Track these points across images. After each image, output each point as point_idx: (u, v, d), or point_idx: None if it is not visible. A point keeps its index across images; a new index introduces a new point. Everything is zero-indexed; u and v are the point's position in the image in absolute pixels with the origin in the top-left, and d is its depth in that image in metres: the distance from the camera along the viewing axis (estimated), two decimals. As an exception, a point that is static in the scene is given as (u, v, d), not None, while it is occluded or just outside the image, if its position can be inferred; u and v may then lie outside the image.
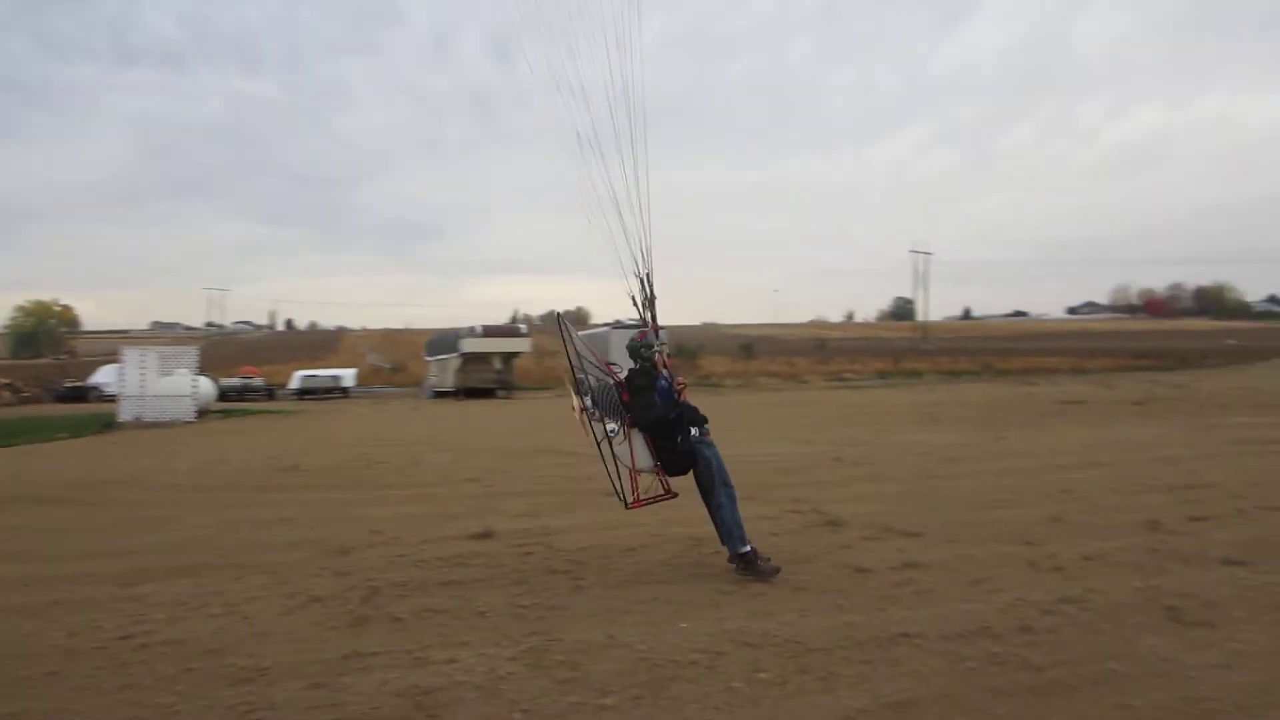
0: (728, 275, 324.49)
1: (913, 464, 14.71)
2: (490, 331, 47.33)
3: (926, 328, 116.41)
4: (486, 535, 9.24)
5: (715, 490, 7.22)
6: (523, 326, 51.33)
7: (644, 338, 7.61)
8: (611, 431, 7.34)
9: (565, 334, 7.25)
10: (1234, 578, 6.86)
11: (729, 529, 7.20)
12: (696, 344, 66.37)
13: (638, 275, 7.64)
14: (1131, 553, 7.83)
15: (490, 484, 13.61)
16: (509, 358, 47.87)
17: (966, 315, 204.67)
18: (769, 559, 7.25)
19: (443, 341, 50.37)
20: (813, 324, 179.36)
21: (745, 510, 7.44)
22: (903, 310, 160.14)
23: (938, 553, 7.97)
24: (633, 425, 7.33)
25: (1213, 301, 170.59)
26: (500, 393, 45.99)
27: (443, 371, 48.66)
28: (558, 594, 6.88)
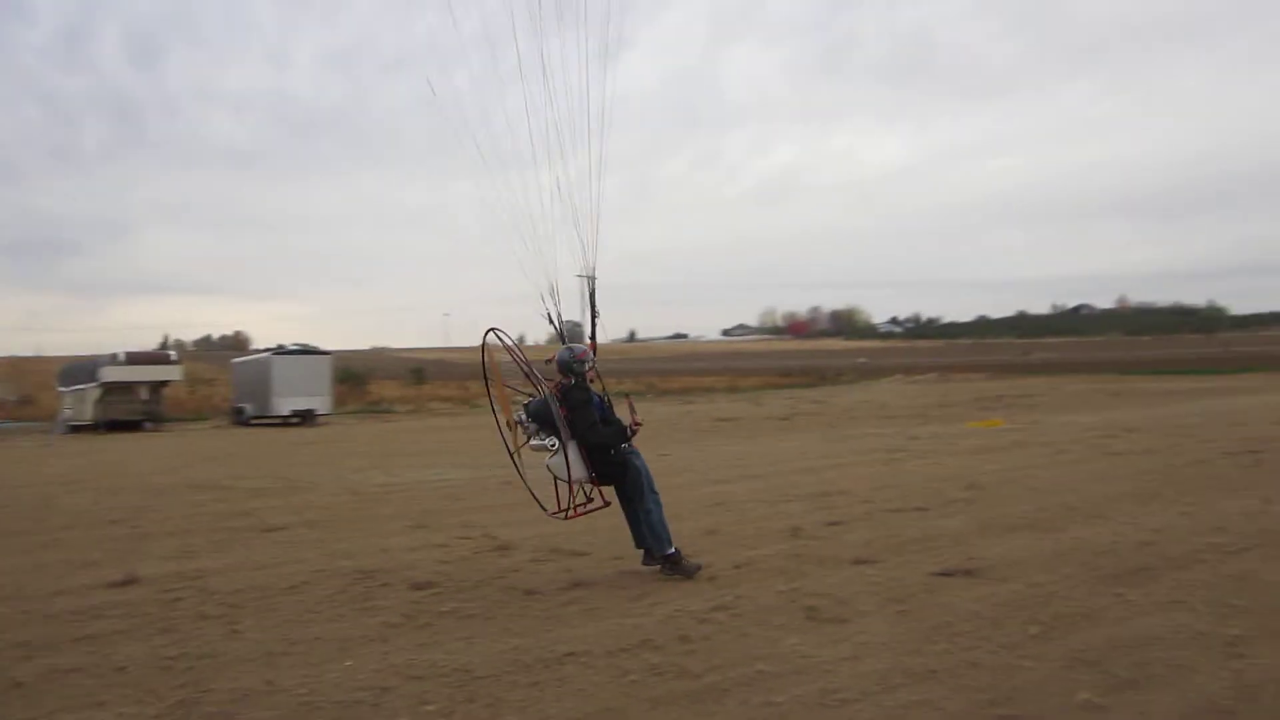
0: (400, 297, 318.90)
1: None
2: (135, 358, 43.26)
3: (595, 349, 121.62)
4: (129, 582, 8.68)
5: (644, 497, 8.35)
6: (172, 353, 47.16)
7: (572, 354, 8.59)
8: (551, 445, 8.19)
9: (511, 350, 8.24)
10: (863, 575, 8.12)
11: (657, 532, 8.32)
12: (365, 369, 64.47)
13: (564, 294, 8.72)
14: (777, 559, 8.98)
15: (136, 525, 12.66)
16: (157, 387, 43.96)
17: (632, 337, 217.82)
18: (691, 557, 8.48)
19: (80, 370, 45.32)
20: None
21: (413, 539, 7.59)
22: (572, 333, 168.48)
23: (604, 570, 8.72)
24: (577, 440, 8.21)
25: (846, 323, 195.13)
26: (148, 425, 42.09)
27: (80, 403, 43.69)
28: (210, 641, 6.66)
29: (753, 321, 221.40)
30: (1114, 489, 12.93)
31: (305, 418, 41.91)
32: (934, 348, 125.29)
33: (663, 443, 23.44)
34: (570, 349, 8.71)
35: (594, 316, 8.95)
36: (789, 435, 25.06)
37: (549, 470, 8.36)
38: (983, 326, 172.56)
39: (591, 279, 8.96)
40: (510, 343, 8.38)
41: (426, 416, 46.65)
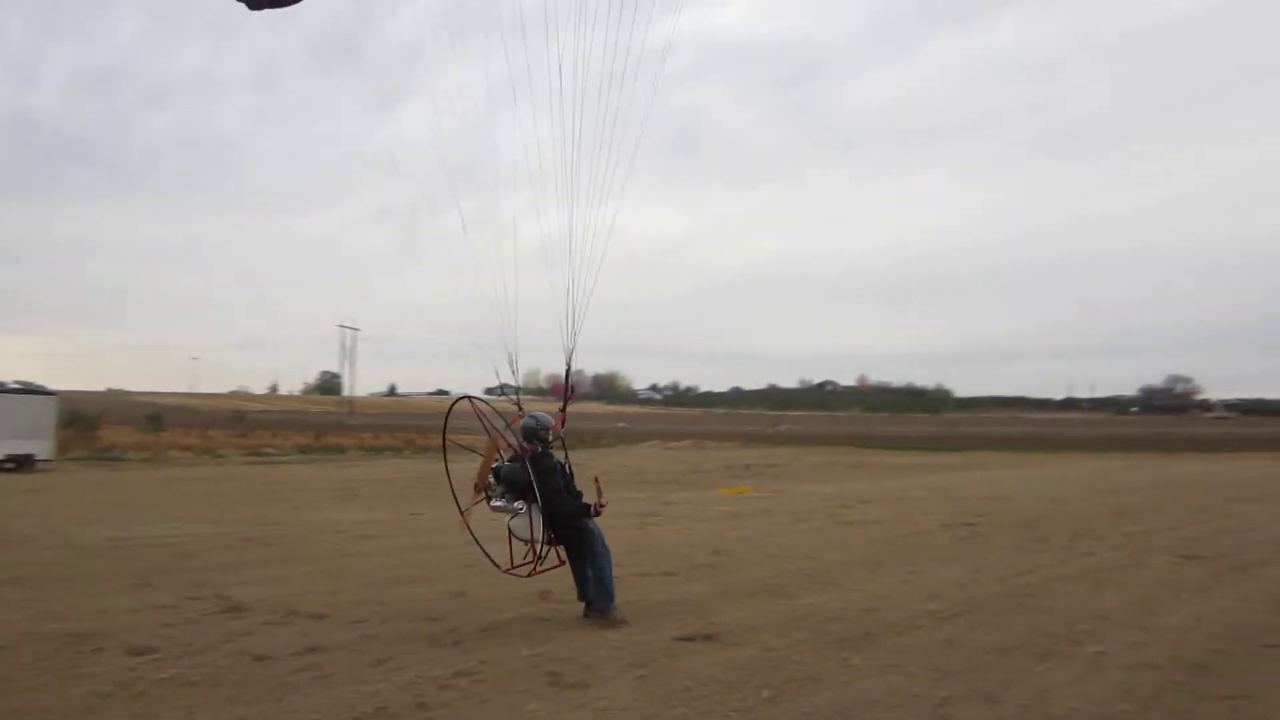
0: (143, 338, 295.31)
1: (326, 542, 15.02)
2: None
3: (352, 403, 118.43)
4: None
5: (596, 555, 8.97)
6: None
7: (538, 422, 9.22)
8: (519, 508, 8.83)
9: (483, 417, 8.91)
10: (607, 640, 8.22)
11: (606, 589, 8.98)
12: (97, 412, 58.79)
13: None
14: (524, 622, 8.91)
15: None
16: None
17: (392, 392, 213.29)
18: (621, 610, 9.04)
19: None
20: (234, 395, 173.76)
21: (135, 599, 6.99)
22: (329, 384, 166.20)
23: (343, 635, 8.32)
24: (542, 505, 8.76)
25: (608, 387, 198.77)
26: None
27: None
28: None
29: (517, 382, 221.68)
30: (846, 556, 13.74)
31: (21, 463, 37.98)
32: (691, 415, 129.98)
33: (416, 502, 22.87)
34: (535, 417, 9.33)
35: (566, 394, 9.88)
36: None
37: (509, 529, 9.04)
38: (736, 397, 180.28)
39: (569, 359, 9.57)
40: (484, 408, 9.06)
41: (163, 466, 43.43)
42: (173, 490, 27.48)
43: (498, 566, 9.34)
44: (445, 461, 9.85)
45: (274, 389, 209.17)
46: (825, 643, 8.22)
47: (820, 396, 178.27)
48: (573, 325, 9.33)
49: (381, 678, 6.94)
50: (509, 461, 9.17)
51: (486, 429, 9.19)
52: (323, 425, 78.92)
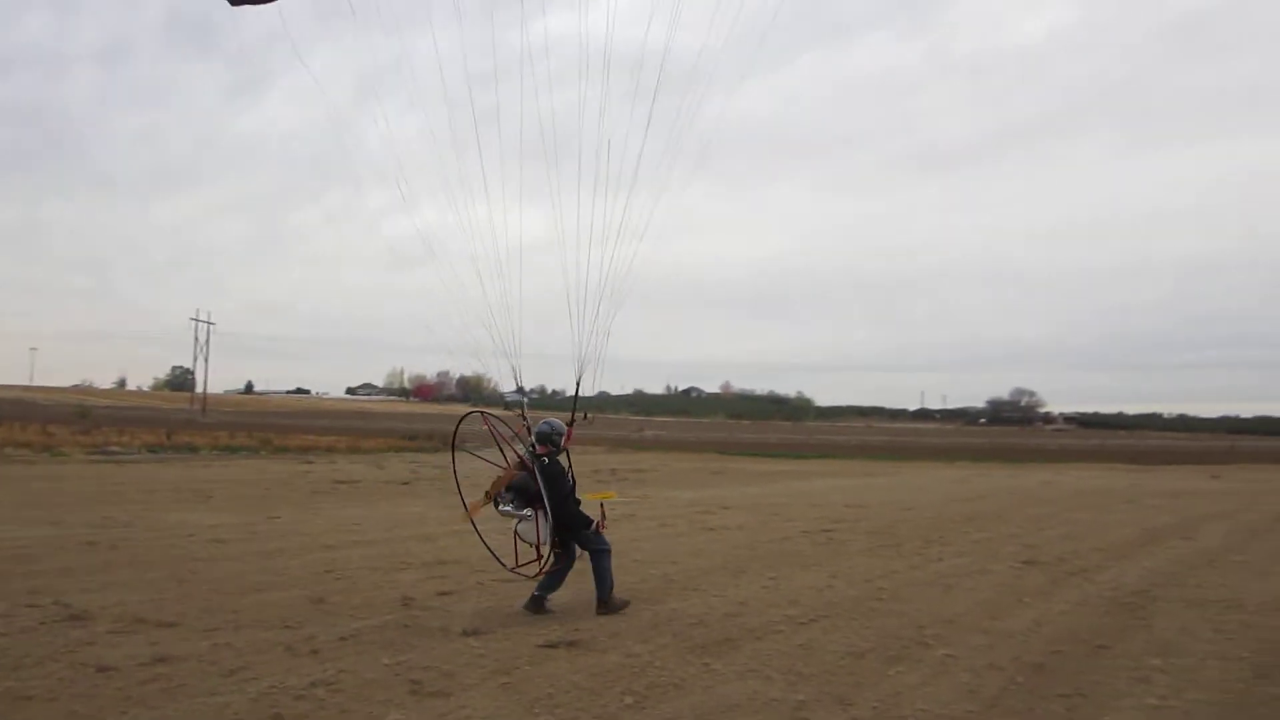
0: None
1: (177, 546, 14.38)
2: None
3: (206, 400, 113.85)
4: None
5: (600, 553, 10.04)
6: None
7: (552, 428, 10.13)
8: (526, 514, 9.61)
9: (495, 432, 10.01)
10: (470, 648, 8.11)
11: (605, 582, 9.96)
12: None
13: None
14: (385, 630, 8.72)
15: None
16: None
17: (249, 389, 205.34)
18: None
19: None
20: (77, 389, 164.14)
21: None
22: (181, 380, 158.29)
23: (194, 644, 8.01)
24: (550, 508, 9.50)
25: (473, 390, 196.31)
26: None
27: None
28: None
29: (379, 381, 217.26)
30: (709, 562, 13.97)
31: None
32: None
33: (274, 504, 22.14)
34: (550, 424, 10.21)
35: (575, 406, 10.57)
36: (410, 500, 24.60)
37: (517, 533, 9.89)
38: (603, 401, 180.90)
39: (579, 375, 10.61)
40: (495, 424, 10.11)
41: (-4, 463, 40.74)
42: (8, 490, 25.81)
43: (504, 565, 10.37)
44: (454, 470, 11.46)
45: (121, 383, 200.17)
46: (687, 648, 8.34)
47: (685, 403, 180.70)
48: (581, 344, 10.42)
49: (234, 688, 6.70)
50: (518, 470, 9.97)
51: (498, 440, 10.33)
52: (174, 422, 75.54)
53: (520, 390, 10.82)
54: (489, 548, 10.31)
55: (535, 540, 9.73)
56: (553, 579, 10.05)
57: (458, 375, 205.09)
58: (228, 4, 8.87)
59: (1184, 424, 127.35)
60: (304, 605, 9.89)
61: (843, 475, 42.54)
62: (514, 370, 10.54)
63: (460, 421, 10.86)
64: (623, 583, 11.81)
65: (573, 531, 9.95)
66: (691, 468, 46.94)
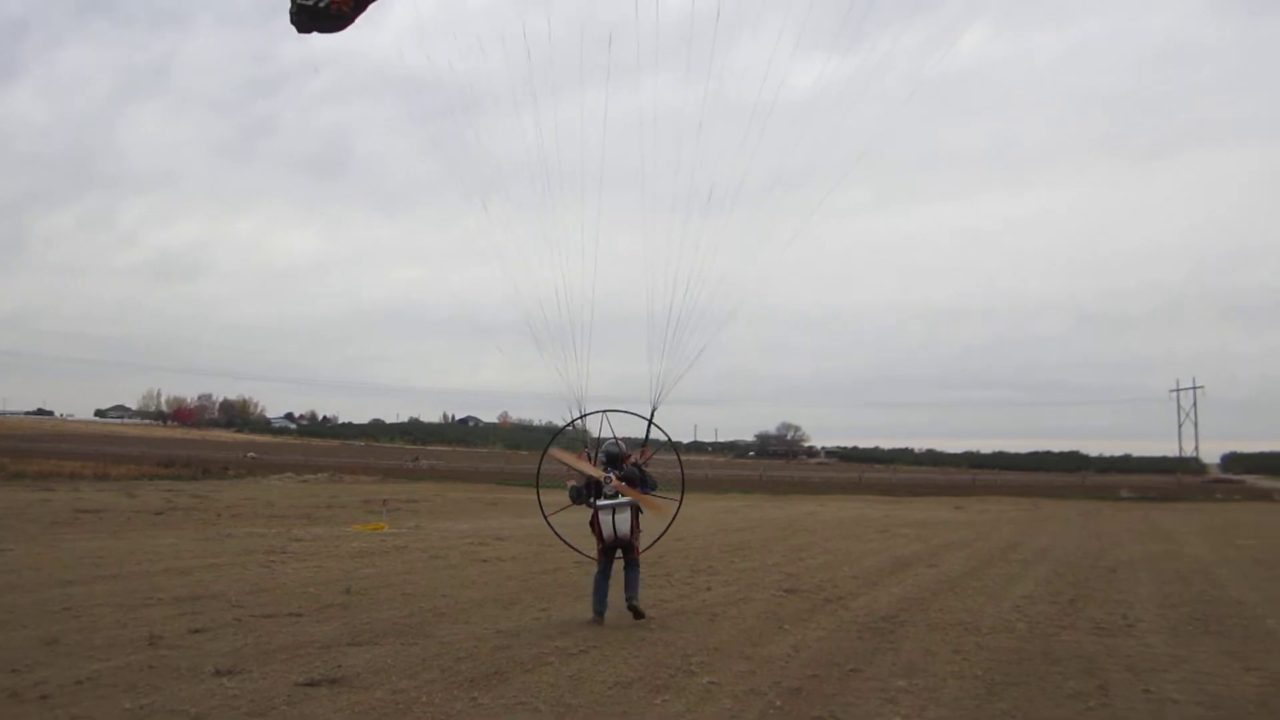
0: None
1: None
2: None
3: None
4: None
5: (637, 564, 12.00)
6: None
7: (619, 448, 12.16)
8: (622, 501, 11.62)
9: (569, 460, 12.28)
10: (222, 688, 7.73)
11: (637, 584, 11.89)
12: None
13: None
14: (127, 671, 8.19)
15: None
16: None
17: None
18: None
19: None
20: None
21: None
22: None
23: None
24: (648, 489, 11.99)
25: (238, 414, 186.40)
26: None
27: None
28: None
29: (133, 404, 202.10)
30: (481, 595, 13.85)
31: None
32: (328, 447, 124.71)
33: (5, 536, 20.16)
34: (617, 443, 12.34)
35: (649, 429, 12.89)
36: (163, 531, 23.01)
37: (612, 525, 11.66)
38: (377, 429, 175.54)
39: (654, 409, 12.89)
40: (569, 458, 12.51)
41: None
42: None
43: (585, 555, 12.73)
44: (538, 491, 14.50)
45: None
46: (455, 683, 8.24)
47: (463, 432, 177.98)
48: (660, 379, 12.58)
49: (-55, 742, 6.08)
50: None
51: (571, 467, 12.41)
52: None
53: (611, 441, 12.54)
54: (567, 540, 13.41)
55: (625, 531, 11.70)
56: (637, 581, 11.93)
57: (220, 399, 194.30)
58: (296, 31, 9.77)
59: (932, 458, 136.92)
60: (35, 646, 9.07)
61: (617, 506, 43.13)
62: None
63: (542, 456, 13.84)
64: (390, 618, 11.56)
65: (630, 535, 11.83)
66: (467, 498, 46.37)
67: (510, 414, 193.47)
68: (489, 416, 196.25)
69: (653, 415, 12.93)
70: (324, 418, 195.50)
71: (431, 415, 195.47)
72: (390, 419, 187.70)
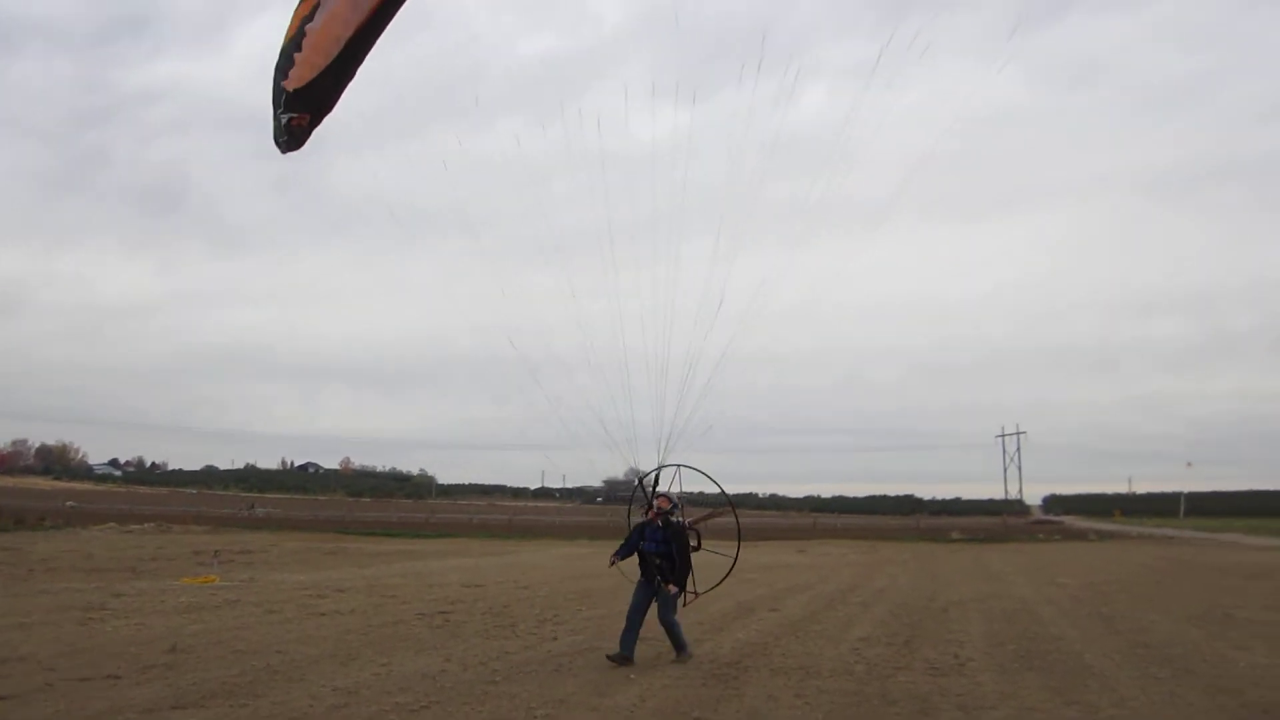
0: None
1: None
2: None
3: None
4: None
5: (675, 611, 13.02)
6: None
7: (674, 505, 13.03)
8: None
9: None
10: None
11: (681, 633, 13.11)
12: None
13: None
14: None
15: None
16: None
17: None
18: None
19: None
20: None
21: None
22: None
23: None
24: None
25: (56, 460, 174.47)
26: None
27: None
28: None
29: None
30: (318, 650, 13.30)
31: None
32: (156, 495, 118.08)
33: None
34: (674, 503, 13.12)
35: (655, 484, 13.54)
36: (-38, 589, 21.23)
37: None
38: (210, 476, 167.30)
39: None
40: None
41: None
42: None
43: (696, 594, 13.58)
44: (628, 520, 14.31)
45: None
46: (288, 745, 7.87)
47: (302, 479, 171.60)
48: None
49: None
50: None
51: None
52: None
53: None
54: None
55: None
56: (681, 630, 13.13)
57: (37, 444, 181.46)
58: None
59: (775, 503, 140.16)
60: None
61: (463, 555, 42.37)
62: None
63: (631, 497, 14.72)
64: (219, 677, 10.98)
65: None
66: (305, 547, 44.61)
67: (352, 460, 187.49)
68: (330, 463, 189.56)
69: (656, 468, 13.71)
70: (152, 464, 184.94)
71: (269, 462, 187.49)
72: (225, 465, 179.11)
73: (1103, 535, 65.81)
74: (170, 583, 24.15)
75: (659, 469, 13.48)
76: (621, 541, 13.37)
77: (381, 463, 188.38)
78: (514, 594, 22.64)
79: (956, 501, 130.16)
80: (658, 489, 13.40)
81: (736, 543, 14.35)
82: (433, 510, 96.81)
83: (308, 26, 9.83)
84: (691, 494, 14.20)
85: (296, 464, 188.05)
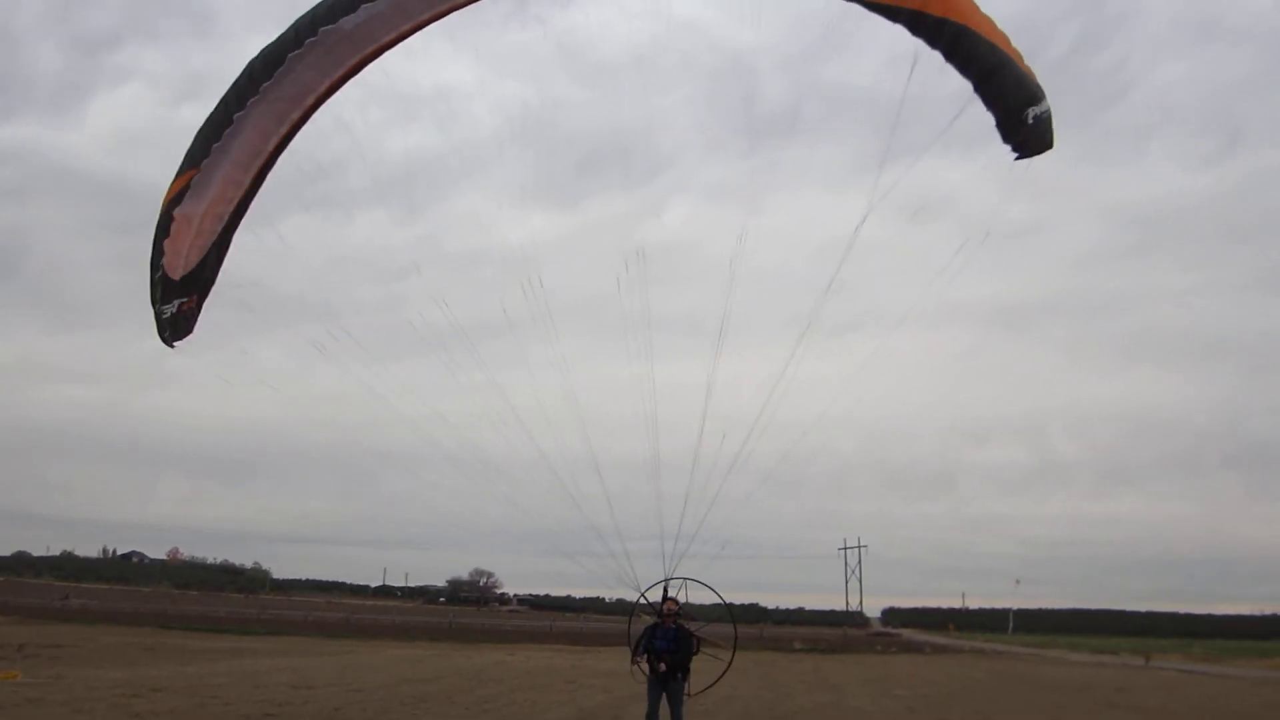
0: None
1: None
2: None
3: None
4: None
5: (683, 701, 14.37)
6: None
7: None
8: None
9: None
10: None
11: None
12: None
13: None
14: None
15: None
16: None
17: None
18: None
19: None
20: None
21: None
22: None
23: None
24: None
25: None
26: None
27: None
28: None
29: None
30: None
31: None
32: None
33: None
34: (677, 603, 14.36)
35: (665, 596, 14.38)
36: None
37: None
38: (21, 563, 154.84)
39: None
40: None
41: None
42: None
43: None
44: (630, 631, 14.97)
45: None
46: None
47: (124, 569, 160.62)
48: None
49: None
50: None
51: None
52: None
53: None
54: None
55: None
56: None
57: None
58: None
59: (623, 608, 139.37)
60: None
61: (294, 654, 40.34)
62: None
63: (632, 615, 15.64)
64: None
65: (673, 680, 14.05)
66: (123, 642, 41.68)
67: (181, 550, 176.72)
68: (157, 552, 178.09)
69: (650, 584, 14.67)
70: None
71: (89, 549, 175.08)
72: (39, 552, 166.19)
73: (937, 649, 67.64)
74: (-35, 678, 22.17)
75: (664, 581, 14.49)
76: (635, 643, 14.44)
77: (214, 554, 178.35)
78: (346, 696, 21.69)
79: (800, 611, 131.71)
80: (649, 597, 14.60)
81: (732, 648, 15.30)
82: (264, 606, 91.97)
83: (176, 211, 9.96)
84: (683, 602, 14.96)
85: (119, 552, 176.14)
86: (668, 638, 14.10)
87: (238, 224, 10.40)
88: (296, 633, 60.70)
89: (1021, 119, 10.26)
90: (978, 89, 10.16)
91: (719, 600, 15.41)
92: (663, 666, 13.84)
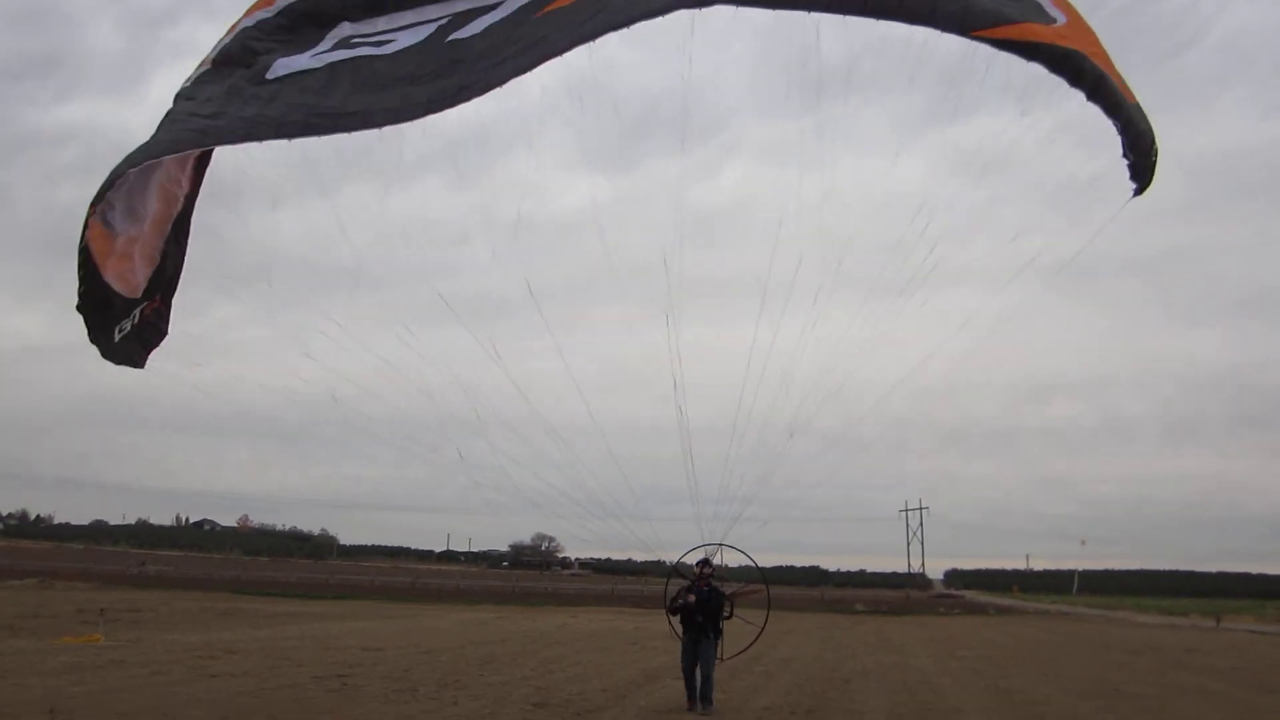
0: None
1: None
2: None
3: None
4: None
5: (711, 660, 14.73)
6: None
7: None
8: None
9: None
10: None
11: (711, 684, 14.79)
12: None
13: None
14: None
15: None
16: None
17: None
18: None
19: None
20: None
21: None
22: None
23: None
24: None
25: None
26: None
27: None
28: None
29: None
30: (205, 713, 12.82)
31: None
32: (41, 550, 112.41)
33: None
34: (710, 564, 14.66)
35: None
36: None
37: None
38: (99, 531, 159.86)
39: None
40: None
41: None
42: None
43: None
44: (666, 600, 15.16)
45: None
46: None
47: (197, 536, 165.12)
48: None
49: None
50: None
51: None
52: None
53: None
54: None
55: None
56: (692, 682, 14.61)
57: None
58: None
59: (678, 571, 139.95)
60: None
61: (363, 617, 41.23)
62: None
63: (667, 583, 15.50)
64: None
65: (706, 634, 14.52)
66: (198, 607, 42.94)
67: (250, 518, 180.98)
68: (227, 520, 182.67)
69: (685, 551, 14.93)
70: (37, 517, 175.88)
71: (163, 518, 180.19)
72: (115, 520, 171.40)
73: (1001, 610, 67.06)
74: (51, 642, 22.99)
75: (699, 546, 14.65)
76: (671, 601, 14.87)
77: (281, 521, 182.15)
78: (415, 658, 22.08)
79: (861, 574, 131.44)
80: (693, 560, 14.78)
81: (765, 613, 15.30)
82: (333, 571, 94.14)
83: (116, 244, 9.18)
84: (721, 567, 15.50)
85: (192, 520, 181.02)
86: (700, 596, 14.51)
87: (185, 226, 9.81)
88: (364, 597, 62.01)
89: (1152, 162, 10.13)
90: (1121, 132, 9.96)
91: (752, 564, 16.01)
92: (692, 598, 14.28)
